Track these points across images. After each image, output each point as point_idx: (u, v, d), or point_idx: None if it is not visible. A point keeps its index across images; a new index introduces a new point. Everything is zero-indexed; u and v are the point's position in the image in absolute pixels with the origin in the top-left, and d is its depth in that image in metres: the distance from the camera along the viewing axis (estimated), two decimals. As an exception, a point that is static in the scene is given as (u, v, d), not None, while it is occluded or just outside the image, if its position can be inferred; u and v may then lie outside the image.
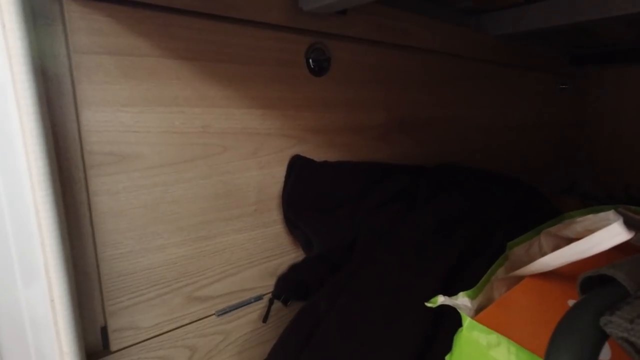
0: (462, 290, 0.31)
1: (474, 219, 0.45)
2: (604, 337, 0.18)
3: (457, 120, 0.70)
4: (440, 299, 0.29)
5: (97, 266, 0.36)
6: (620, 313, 0.17)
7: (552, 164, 1.03)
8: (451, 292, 0.30)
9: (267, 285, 0.47)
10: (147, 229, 0.37)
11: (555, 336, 0.18)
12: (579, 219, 0.34)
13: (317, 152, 0.49)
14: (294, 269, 0.47)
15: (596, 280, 0.22)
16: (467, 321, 0.25)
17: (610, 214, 0.29)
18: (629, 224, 0.37)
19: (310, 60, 0.45)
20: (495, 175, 0.57)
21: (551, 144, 1.01)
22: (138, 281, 0.37)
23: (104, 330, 0.37)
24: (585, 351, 0.17)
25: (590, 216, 0.33)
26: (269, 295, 0.47)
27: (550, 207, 0.50)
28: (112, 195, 0.35)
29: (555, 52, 0.94)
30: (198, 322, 0.42)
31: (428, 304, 0.29)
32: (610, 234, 0.24)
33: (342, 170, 0.48)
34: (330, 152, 0.51)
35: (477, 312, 0.28)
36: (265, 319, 0.45)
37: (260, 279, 0.47)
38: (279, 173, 0.46)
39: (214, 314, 0.42)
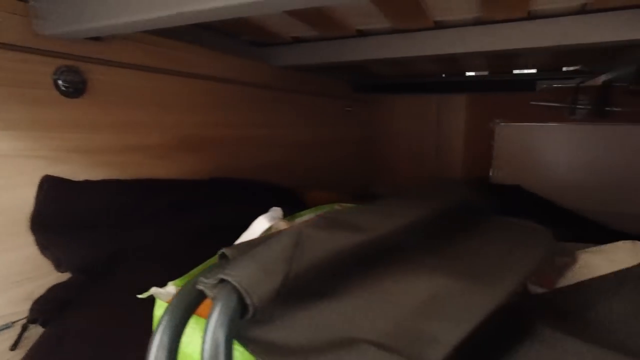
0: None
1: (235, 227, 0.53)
2: (200, 293, 0.26)
3: (246, 139, 0.79)
4: (152, 290, 0.34)
5: None
6: (209, 274, 0.25)
7: (349, 173, 1.25)
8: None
9: (21, 310, 0.45)
10: None
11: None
12: (300, 217, 0.45)
13: (82, 172, 0.50)
14: (52, 289, 0.46)
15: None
16: (157, 303, 0.31)
17: (278, 210, 0.41)
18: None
19: (60, 82, 0.46)
20: (261, 185, 0.68)
21: (346, 156, 1.22)
22: None
23: None
24: (181, 302, 0.24)
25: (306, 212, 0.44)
26: (24, 321, 0.45)
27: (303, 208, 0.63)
28: None
29: (340, 81, 1.16)
30: None
31: (140, 296, 0.34)
32: (259, 223, 0.33)
33: (106, 188, 0.50)
34: (100, 172, 0.52)
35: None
36: (14, 346, 0.44)
37: (10, 305, 0.44)
38: (29, 194, 0.45)
39: (-64, 351, 0.39)
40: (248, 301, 0.22)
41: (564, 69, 1.14)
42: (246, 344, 0.24)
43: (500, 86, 1.24)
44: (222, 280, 0.24)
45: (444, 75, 1.27)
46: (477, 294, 0.27)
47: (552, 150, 1.24)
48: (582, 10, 0.61)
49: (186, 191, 0.57)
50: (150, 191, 0.54)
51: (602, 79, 1.11)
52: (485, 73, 1.22)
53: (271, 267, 0.24)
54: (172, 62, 0.62)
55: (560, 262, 0.55)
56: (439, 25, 0.70)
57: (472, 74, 1.24)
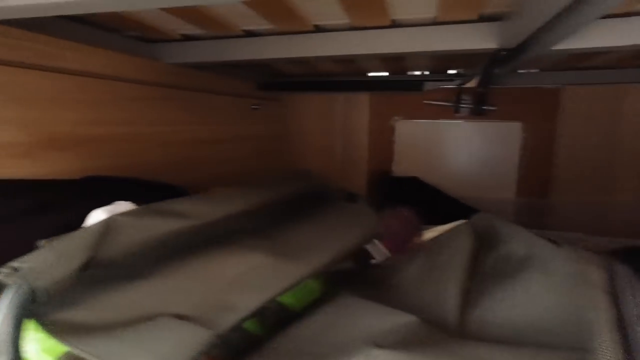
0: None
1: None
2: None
3: (134, 137, 0.78)
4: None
5: None
6: (8, 264, 0.26)
7: (258, 171, 1.27)
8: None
9: None
10: None
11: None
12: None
13: None
14: None
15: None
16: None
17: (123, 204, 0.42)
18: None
19: None
20: (143, 183, 0.68)
21: (254, 154, 1.24)
22: None
23: None
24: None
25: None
26: None
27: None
28: None
29: (245, 79, 1.17)
30: None
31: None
32: (94, 216, 0.34)
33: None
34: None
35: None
36: None
37: None
38: None
39: None
40: (38, 285, 0.24)
41: (449, 71, 1.28)
42: (46, 325, 0.25)
43: (397, 86, 1.35)
44: (16, 269, 0.25)
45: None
46: (282, 269, 0.31)
47: (443, 145, 1.39)
48: (434, 22, 0.70)
49: (53, 191, 0.55)
50: (4, 192, 0.51)
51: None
52: (386, 74, 1.32)
53: (68, 253, 0.25)
54: (37, 57, 0.59)
55: (417, 242, 0.63)
56: (319, 29, 0.75)
57: (377, 74, 1.33)
